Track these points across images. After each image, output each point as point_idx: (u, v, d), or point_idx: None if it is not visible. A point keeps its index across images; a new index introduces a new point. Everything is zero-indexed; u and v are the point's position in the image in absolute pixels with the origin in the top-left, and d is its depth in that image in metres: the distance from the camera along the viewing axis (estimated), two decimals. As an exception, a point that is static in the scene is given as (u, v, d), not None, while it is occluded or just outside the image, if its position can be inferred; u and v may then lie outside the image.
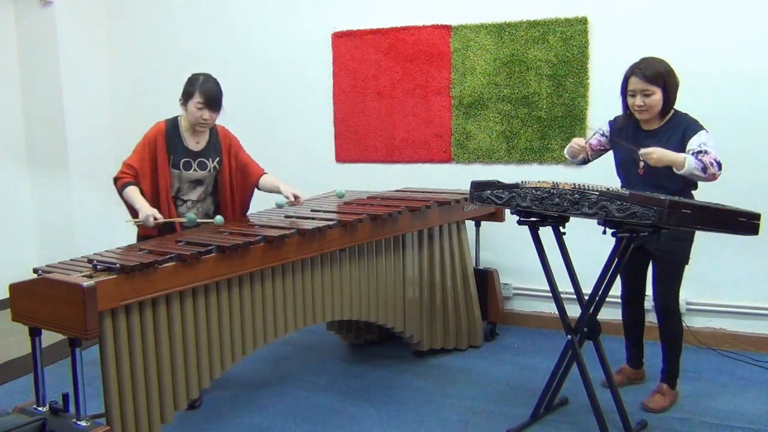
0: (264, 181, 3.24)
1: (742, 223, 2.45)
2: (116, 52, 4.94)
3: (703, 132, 2.75)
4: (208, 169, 3.14)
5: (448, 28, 4.06)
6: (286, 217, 3.04)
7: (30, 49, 4.68)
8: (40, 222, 4.83)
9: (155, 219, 2.84)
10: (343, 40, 4.31)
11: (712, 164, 2.65)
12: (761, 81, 3.47)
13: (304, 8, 4.40)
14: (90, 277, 2.13)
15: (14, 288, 2.22)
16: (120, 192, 3.00)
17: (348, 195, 3.77)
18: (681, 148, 2.75)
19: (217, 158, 3.16)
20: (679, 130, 2.79)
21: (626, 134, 2.91)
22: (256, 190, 3.28)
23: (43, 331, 2.23)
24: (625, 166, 2.93)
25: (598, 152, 3.07)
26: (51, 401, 2.24)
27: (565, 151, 3.06)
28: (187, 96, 3.06)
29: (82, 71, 4.76)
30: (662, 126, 2.84)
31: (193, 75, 3.08)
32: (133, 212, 3.00)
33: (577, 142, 2.97)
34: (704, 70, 3.50)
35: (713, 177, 2.67)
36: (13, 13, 4.68)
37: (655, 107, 2.78)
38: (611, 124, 3.01)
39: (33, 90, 4.71)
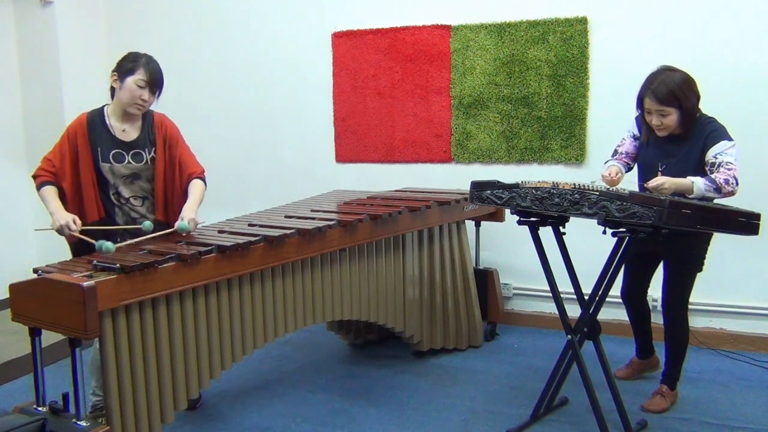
0: (191, 186, 2.83)
1: (742, 223, 2.46)
2: (116, 52, 4.92)
3: (722, 142, 2.65)
4: (144, 161, 2.80)
5: (448, 28, 4.06)
6: (286, 217, 3.04)
7: (30, 49, 4.68)
8: (40, 222, 4.82)
9: (70, 230, 2.50)
10: (343, 40, 4.31)
11: (727, 182, 2.56)
12: (761, 81, 3.47)
13: (304, 8, 4.40)
14: (90, 277, 2.13)
15: (14, 288, 2.22)
16: (38, 192, 2.70)
17: (348, 195, 3.77)
18: (702, 156, 2.70)
19: (153, 149, 2.82)
20: (701, 137, 2.71)
21: (650, 138, 2.86)
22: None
23: (43, 331, 2.23)
24: (645, 173, 2.86)
25: (637, 156, 2.97)
26: (51, 401, 2.23)
27: (602, 181, 2.81)
28: (126, 72, 2.71)
29: (82, 71, 4.74)
30: (686, 132, 2.75)
31: (133, 53, 2.78)
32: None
33: (607, 178, 2.78)
34: (704, 70, 3.48)
35: (731, 194, 2.60)
36: (13, 13, 4.68)
37: (672, 125, 2.72)
38: (637, 120, 2.92)
39: (33, 90, 4.71)
